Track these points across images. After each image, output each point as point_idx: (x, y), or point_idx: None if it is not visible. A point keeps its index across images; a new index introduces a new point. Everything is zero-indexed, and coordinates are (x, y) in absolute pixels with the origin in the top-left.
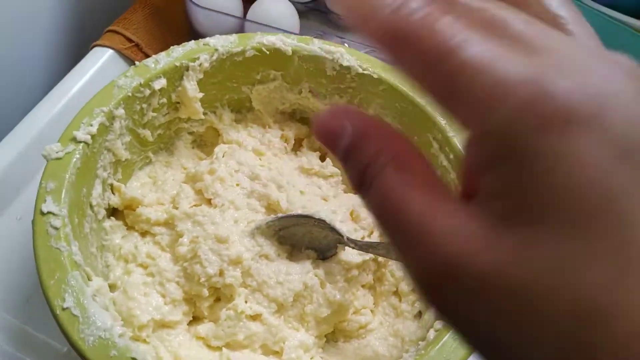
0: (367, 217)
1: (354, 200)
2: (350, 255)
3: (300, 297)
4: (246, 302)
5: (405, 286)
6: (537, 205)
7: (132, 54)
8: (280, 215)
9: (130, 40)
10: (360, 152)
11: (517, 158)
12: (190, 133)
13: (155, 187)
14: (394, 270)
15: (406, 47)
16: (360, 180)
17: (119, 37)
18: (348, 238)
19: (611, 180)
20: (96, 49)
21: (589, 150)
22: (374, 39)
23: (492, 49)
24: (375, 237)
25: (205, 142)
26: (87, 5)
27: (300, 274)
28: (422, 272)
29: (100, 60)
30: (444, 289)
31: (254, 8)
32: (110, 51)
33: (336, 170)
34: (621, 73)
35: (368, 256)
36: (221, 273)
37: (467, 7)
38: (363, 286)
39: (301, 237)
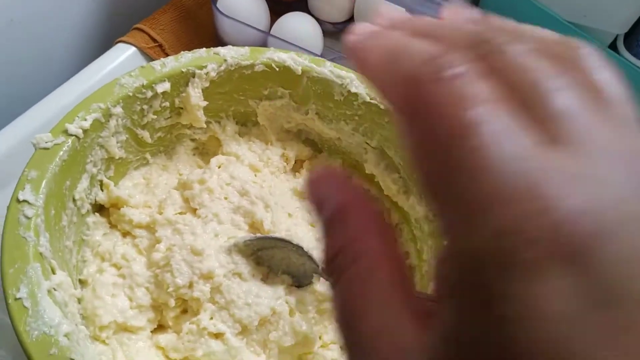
0: None
1: None
2: (325, 286)
3: (267, 323)
4: (211, 318)
5: None
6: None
7: (154, 53)
8: (259, 235)
9: (154, 40)
10: (336, 231)
11: (478, 296)
12: (193, 140)
13: (147, 189)
14: None
15: (421, 112)
16: (330, 268)
17: (144, 36)
18: (323, 269)
19: (573, 343)
20: (120, 44)
21: (560, 299)
22: (386, 89)
23: (509, 139)
24: None
25: (207, 151)
26: (120, 1)
27: (270, 298)
28: None
29: (122, 57)
30: None
31: (279, 23)
32: (133, 49)
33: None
34: None
35: None
36: (190, 285)
37: (509, 64)
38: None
39: (279, 261)
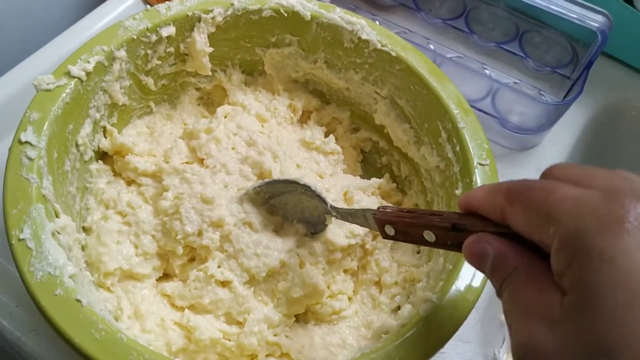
0: (360, 200)
1: (350, 182)
2: (337, 236)
3: (275, 274)
4: (219, 266)
5: (388, 278)
6: (596, 296)
7: (158, 1)
8: (267, 180)
9: None
10: (498, 271)
11: (581, 257)
12: (198, 89)
13: (151, 138)
14: (380, 260)
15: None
16: (499, 290)
17: None
18: (331, 206)
19: None
20: None
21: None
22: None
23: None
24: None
25: (212, 101)
26: None
27: (280, 250)
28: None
29: (124, 4)
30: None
31: None
32: None
33: (337, 148)
34: None
35: (355, 240)
36: (200, 233)
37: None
38: (345, 271)
39: (292, 208)
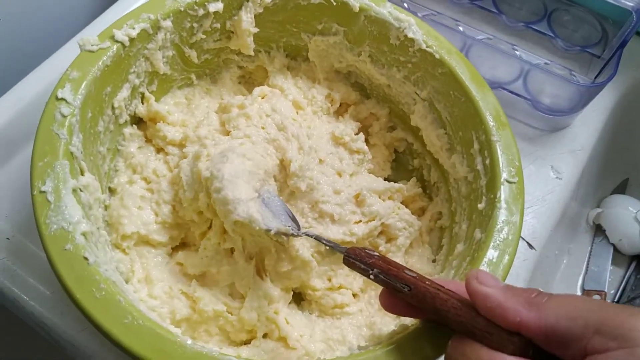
0: (372, 204)
1: (370, 183)
2: (331, 232)
3: (264, 249)
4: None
5: None
6: None
7: None
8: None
9: None
10: None
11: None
12: (240, 67)
13: (187, 109)
14: None
15: None
16: None
17: None
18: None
19: None
20: None
21: None
22: None
23: None
24: (371, 226)
25: (253, 81)
26: None
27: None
28: None
29: None
30: None
31: None
32: None
33: (364, 147)
34: None
35: (350, 239)
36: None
37: None
38: None
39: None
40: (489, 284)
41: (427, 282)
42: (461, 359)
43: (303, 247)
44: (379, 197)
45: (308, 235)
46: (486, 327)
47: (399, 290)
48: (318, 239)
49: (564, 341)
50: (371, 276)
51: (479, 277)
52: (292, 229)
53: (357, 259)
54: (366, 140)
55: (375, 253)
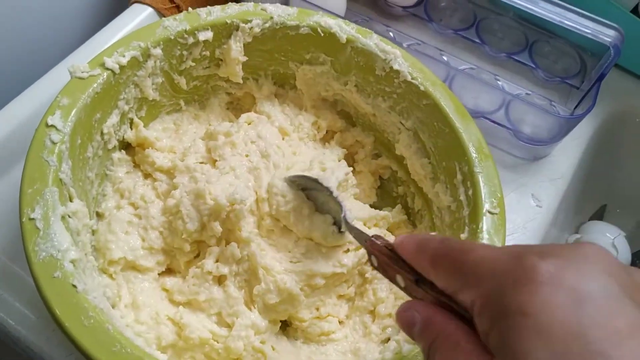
0: None
1: (353, 212)
2: (321, 265)
3: (255, 275)
4: (216, 261)
5: (383, 308)
6: (522, 354)
7: (171, 15)
8: (299, 174)
9: (172, 1)
10: (424, 337)
11: (502, 317)
12: (228, 93)
13: (175, 135)
14: (378, 289)
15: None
16: (427, 357)
17: None
18: (344, 216)
19: (579, 317)
20: (135, 5)
21: (552, 299)
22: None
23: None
24: (360, 255)
25: (241, 107)
26: None
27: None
28: None
29: (138, 18)
30: None
31: None
32: (150, 9)
33: (349, 175)
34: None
35: (341, 270)
36: (203, 228)
37: None
38: (341, 296)
39: (321, 204)
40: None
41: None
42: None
43: (292, 281)
44: (364, 225)
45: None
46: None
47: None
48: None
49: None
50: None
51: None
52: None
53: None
54: (351, 167)
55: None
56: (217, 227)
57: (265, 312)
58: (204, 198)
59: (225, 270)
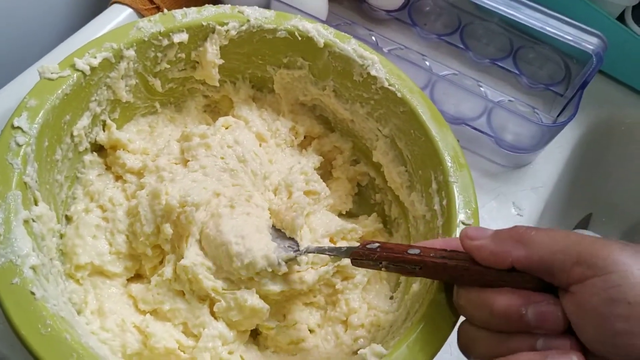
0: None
1: (325, 224)
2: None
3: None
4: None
5: (355, 319)
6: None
7: (151, 15)
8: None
9: (151, 2)
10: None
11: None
12: (205, 96)
13: (150, 137)
14: (350, 300)
15: None
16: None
17: None
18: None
19: None
20: (115, 5)
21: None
22: None
23: None
24: (322, 272)
25: (219, 110)
26: None
27: None
28: None
29: (117, 19)
30: None
31: None
32: (129, 10)
33: (319, 187)
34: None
35: (301, 287)
36: (158, 231)
37: None
38: (311, 304)
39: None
40: (478, 237)
41: (431, 255)
42: (468, 305)
43: (252, 297)
44: (330, 241)
45: (309, 252)
46: (488, 274)
47: (410, 272)
48: (320, 251)
49: (550, 272)
50: (382, 268)
51: (468, 234)
52: (294, 251)
53: (364, 259)
54: (329, 173)
55: (377, 245)
56: (168, 229)
57: (231, 325)
58: (159, 198)
59: (179, 287)
